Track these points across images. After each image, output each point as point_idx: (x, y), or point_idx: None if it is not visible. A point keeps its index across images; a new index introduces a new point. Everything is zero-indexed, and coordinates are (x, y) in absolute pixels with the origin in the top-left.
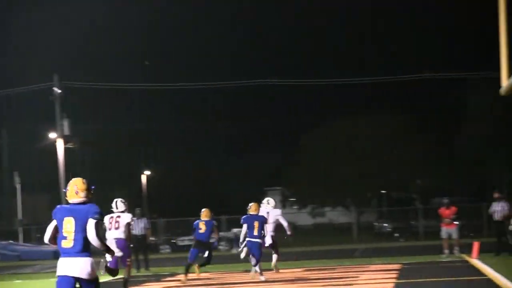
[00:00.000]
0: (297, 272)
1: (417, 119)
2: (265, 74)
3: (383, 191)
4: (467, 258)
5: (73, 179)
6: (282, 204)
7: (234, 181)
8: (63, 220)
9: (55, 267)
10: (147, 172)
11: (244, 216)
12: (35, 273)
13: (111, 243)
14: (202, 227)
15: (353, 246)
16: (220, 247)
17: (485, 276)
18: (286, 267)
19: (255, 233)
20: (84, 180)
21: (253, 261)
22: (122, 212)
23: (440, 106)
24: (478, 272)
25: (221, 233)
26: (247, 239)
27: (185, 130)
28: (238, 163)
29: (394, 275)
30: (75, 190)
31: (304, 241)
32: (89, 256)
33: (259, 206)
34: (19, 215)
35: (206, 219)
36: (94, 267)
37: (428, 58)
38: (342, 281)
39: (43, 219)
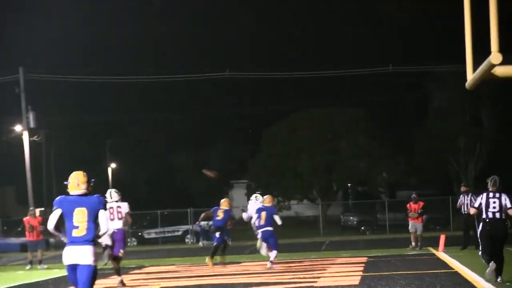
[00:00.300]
0: (263, 265)
1: (382, 112)
2: (226, 66)
3: (349, 184)
4: (433, 251)
5: (74, 172)
6: (248, 197)
7: (198, 173)
8: (73, 210)
9: (22, 259)
10: (113, 165)
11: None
12: (2, 265)
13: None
14: (220, 215)
15: (320, 239)
16: (186, 239)
17: (452, 269)
18: (252, 260)
19: (262, 222)
20: (84, 173)
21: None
22: (116, 201)
23: (405, 99)
24: (444, 265)
25: (188, 226)
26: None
27: (148, 123)
28: (202, 156)
29: (361, 268)
30: (77, 182)
31: None
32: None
33: (273, 199)
34: None
35: (225, 207)
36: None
37: (394, 50)
38: (309, 273)
39: (10, 212)
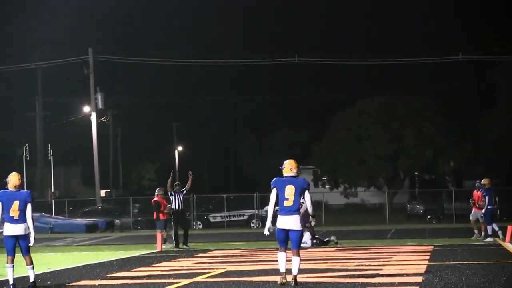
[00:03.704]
0: (328, 251)
1: (449, 100)
2: (297, 52)
3: (415, 173)
4: (500, 241)
5: (289, 160)
6: (314, 183)
7: (262, 159)
8: (284, 187)
9: (88, 240)
10: (180, 148)
11: None
12: (67, 246)
13: None
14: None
15: (386, 227)
16: (252, 224)
17: None
18: (317, 247)
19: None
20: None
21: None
22: None
23: (472, 87)
24: (511, 256)
25: (254, 211)
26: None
27: (215, 107)
28: (267, 141)
29: (427, 257)
30: (290, 167)
31: (336, 220)
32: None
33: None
34: (52, 187)
35: None
36: None
37: (461, 41)
38: (374, 261)
39: (75, 193)
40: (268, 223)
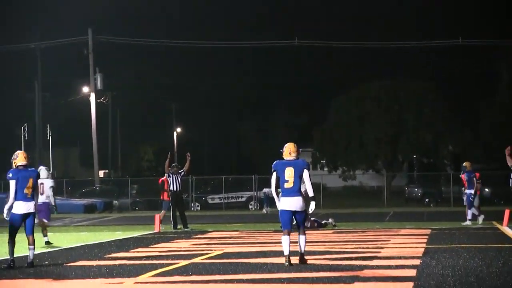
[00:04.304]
0: (326, 234)
1: (450, 85)
2: (297, 35)
3: (414, 156)
4: (497, 225)
5: (288, 143)
6: (313, 165)
7: (261, 141)
8: (284, 170)
9: (86, 220)
10: (178, 129)
11: None
12: (65, 226)
13: None
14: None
15: (384, 210)
16: (250, 206)
17: None
18: (315, 229)
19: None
20: (294, 144)
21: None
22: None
23: (473, 72)
24: (509, 239)
25: (253, 193)
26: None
27: (214, 89)
28: (267, 123)
29: (424, 240)
30: (289, 151)
31: (334, 203)
32: None
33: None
34: (50, 168)
35: None
36: None
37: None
38: (372, 244)
39: (73, 173)
40: (278, 202)
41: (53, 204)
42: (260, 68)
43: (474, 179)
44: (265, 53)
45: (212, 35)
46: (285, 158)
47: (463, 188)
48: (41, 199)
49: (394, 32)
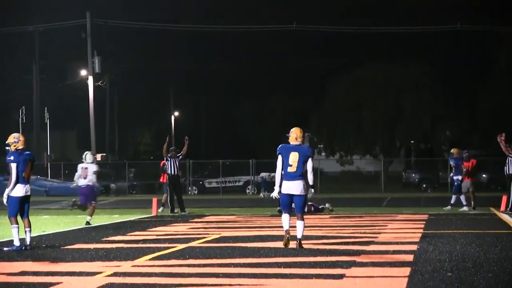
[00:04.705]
0: (323, 218)
1: (447, 70)
2: (293, 20)
3: (412, 141)
4: (495, 211)
5: (294, 128)
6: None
7: (258, 125)
8: (289, 154)
9: None
10: (176, 113)
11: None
12: (63, 209)
13: None
14: None
15: (381, 195)
16: (247, 190)
17: None
18: (312, 214)
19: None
20: (300, 129)
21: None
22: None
23: (471, 57)
24: (506, 225)
25: (250, 177)
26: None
27: (212, 73)
28: (264, 107)
29: (422, 225)
30: (295, 136)
31: (331, 188)
32: None
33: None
34: (48, 151)
35: None
36: None
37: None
38: (369, 229)
39: (71, 156)
40: (277, 188)
41: (98, 186)
42: (258, 52)
43: (462, 166)
44: (263, 37)
45: (210, 19)
46: (290, 143)
47: (451, 174)
48: (84, 182)
49: (392, 17)
